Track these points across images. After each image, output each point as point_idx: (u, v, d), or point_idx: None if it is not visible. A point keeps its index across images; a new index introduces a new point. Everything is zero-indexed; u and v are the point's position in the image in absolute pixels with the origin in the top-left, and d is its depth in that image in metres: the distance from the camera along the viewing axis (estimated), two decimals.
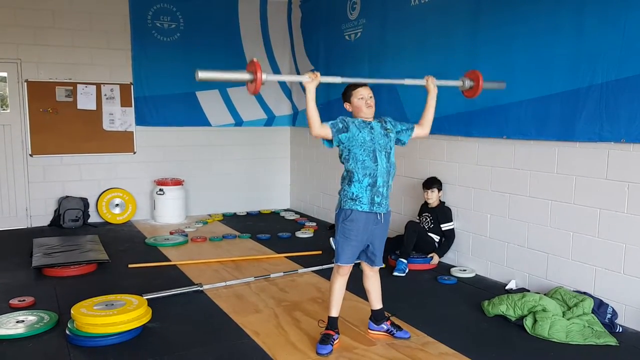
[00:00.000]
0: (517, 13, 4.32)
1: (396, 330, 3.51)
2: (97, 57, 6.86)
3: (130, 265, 5.05)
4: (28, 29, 6.50)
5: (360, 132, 3.23)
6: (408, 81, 3.52)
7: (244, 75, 3.01)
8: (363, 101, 3.29)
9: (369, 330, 3.57)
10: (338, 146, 3.29)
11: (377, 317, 3.54)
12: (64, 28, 6.67)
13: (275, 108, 8.00)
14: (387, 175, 3.26)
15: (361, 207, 3.22)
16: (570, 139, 4.00)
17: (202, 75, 2.88)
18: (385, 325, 3.53)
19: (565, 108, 4.01)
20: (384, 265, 3.62)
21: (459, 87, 3.68)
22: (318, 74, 3.16)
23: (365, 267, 3.49)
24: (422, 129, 3.51)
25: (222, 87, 7.56)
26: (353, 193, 3.24)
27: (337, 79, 3.29)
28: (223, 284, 4.49)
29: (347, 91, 3.37)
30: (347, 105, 3.38)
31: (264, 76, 2.96)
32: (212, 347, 3.35)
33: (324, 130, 3.21)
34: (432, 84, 3.50)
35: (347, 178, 3.29)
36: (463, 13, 4.87)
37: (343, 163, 3.33)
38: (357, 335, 3.52)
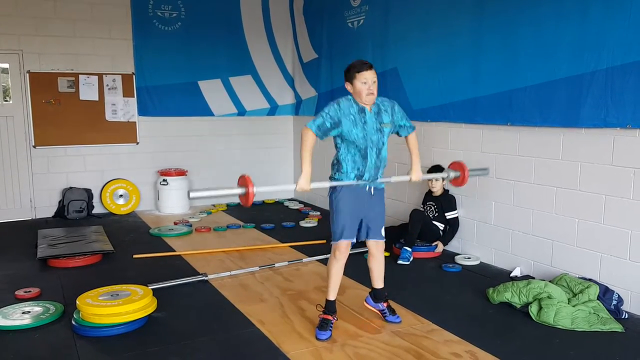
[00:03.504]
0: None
1: (390, 314, 3.55)
2: (98, 48, 6.83)
3: (135, 256, 5.06)
4: (29, 20, 6.48)
5: (354, 128, 3.16)
6: (395, 179, 3.55)
7: (236, 190, 2.98)
8: (365, 86, 3.11)
9: (365, 303, 3.63)
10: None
11: (376, 295, 3.58)
12: (65, 18, 6.64)
13: (278, 97, 7.97)
14: (375, 169, 3.26)
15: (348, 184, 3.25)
16: (576, 125, 3.97)
17: (194, 194, 2.88)
18: (381, 305, 3.57)
19: (570, 94, 3.96)
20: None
21: (445, 178, 3.77)
22: (304, 186, 3.12)
23: (367, 243, 3.49)
24: (413, 138, 3.47)
25: (224, 76, 7.54)
26: (341, 180, 3.26)
27: (325, 184, 3.28)
28: (228, 273, 4.50)
29: (351, 71, 3.16)
30: (347, 86, 3.20)
31: (255, 189, 2.94)
32: (218, 336, 3.36)
33: (311, 138, 3.12)
34: (417, 179, 3.48)
35: (336, 167, 3.30)
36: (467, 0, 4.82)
37: (336, 145, 3.30)
38: (362, 323, 3.53)
